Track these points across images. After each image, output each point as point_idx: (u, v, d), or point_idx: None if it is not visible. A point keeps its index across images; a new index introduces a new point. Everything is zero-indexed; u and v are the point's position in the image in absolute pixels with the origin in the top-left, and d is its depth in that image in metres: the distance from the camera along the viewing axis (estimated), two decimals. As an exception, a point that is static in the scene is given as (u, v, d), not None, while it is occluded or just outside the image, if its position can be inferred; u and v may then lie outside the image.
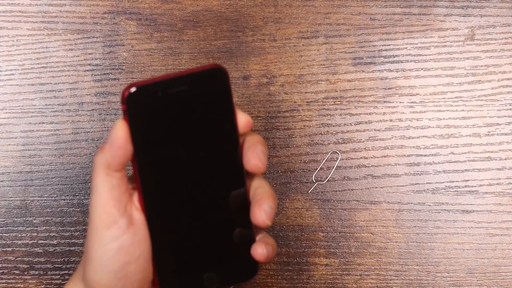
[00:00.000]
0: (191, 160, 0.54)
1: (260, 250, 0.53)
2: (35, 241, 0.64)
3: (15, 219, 0.64)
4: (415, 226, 0.63)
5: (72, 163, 0.64)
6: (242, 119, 0.53)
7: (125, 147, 0.50)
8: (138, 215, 0.52)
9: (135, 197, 0.53)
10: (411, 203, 0.64)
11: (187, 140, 0.54)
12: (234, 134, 0.54)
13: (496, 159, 0.64)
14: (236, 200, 0.55)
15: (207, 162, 0.54)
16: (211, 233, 0.55)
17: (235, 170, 0.55)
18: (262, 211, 0.52)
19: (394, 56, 0.64)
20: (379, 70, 0.64)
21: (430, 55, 0.64)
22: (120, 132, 0.50)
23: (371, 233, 0.63)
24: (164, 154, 0.54)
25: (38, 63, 0.64)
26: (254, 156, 0.53)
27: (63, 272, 0.64)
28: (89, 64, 0.64)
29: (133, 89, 0.53)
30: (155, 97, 0.53)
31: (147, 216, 0.54)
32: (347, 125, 0.64)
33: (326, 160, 0.64)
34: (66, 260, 0.64)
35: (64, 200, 0.64)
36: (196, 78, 0.53)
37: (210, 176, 0.54)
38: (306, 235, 0.63)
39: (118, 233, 0.50)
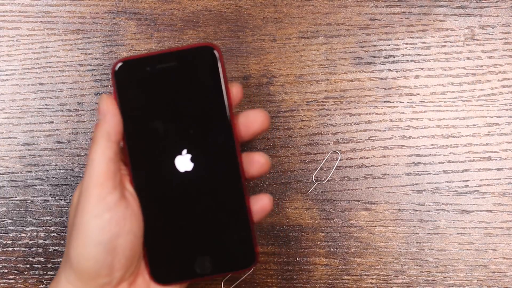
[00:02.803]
0: (181, 137, 0.54)
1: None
2: (35, 241, 0.64)
3: (15, 219, 0.64)
4: (415, 226, 0.63)
5: (72, 163, 0.64)
6: (233, 90, 0.54)
7: (119, 115, 0.52)
8: (130, 192, 0.53)
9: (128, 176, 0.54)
10: (411, 203, 0.64)
11: (176, 116, 0.53)
12: (224, 111, 0.53)
13: (496, 159, 0.64)
14: (230, 180, 0.54)
15: (198, 139, 0.54)
16: (203, 215, 0.54)
17: (227, 148, 0.54)
18: (257, 154, 0.54)
19: (394, 56, 0.64)
20: (379, 70, 0.64)
21: (430, 55, 0.64)
22: (109, 101, 0.52)
23: (371, 233, 0.64)
24: (153, 130, 0.54)
25: (38, 63, 0.64)
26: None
27: (63, 272, 0.64)
28: (89, 64, 0.64)
29: (121, 63, 0.53)
30: (144, 71, 0.53)
31: (138, 195, 0.54)
32: (347, 125, 0.64)
33: (326, 160, 0.64)
34: (66, 260, 0.64)
35: (64, 200, 0.64)
36: (186, 54, 0.53)
37: (201, 154, 0.54)
38: (306, 235, 0.63)
39: (110, 205, 0.51)
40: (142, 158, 0.54)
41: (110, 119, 0.52)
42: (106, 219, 0.51)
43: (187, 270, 0.54)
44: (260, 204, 0.54)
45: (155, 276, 0.54)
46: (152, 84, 0.53)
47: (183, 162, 0.54)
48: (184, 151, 0.54)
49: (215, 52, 0.53)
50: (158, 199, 0.54)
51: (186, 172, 0.54)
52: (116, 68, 0.53)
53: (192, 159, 0.54)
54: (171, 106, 0.54)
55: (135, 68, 0.53)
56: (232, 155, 0.54)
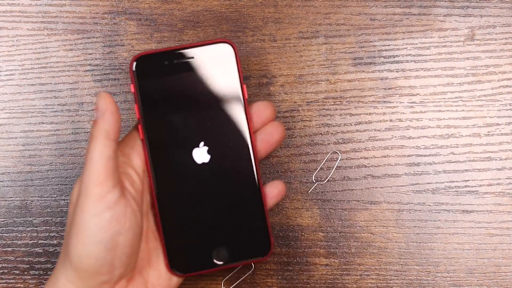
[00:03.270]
0: (198, 130, 0.55)
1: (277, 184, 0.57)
2: (35, 241, 0.64)
3: (15, 219, 0.64)
4: (415, 226, 0.63)
5: (72, 163, 0.64)
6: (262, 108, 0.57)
7: (117, 113, 0.52)
8: (129, 190, 0.53)
9: (127, 174, 0.53)
10: (411, 203, 0.64)
11: (194, 110, 0.55)
12: (241, 105, 0.55)
13: (496, 159, 0.64)
14: (245, 171, 0.56)
15: (214, 132, 0.55)
16: (220, 206, 0.56)
17: (242, 141, 0.55)
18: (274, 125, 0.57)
19: (394, 56, 0.64)
20: (379, 70, 0.64)
21: (430, 55, 0.64)
22: (107, 99, 0.52)
23: (371, 233, 0.64)
24: (170, 123, 0.55)
25: (38, 63, 0.64)
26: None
27: (63, 272, 0.64)
28: (89, 64, 0.64)
29: (140, 57, 0.55)
30: (161, 66, 0.55)
31: (155, 187, 0.55)
32: (347, 125, 0.64)
33: (326, 160, 0.64)
34: (66, 260, 0.64)
35: (64, 200, 0.64)
36: (203, 50, 0.55)
37: (218, 146, 0.55)
38: (306, 235, 0.63)
39: (110, 203, 0.51)
40: (160, 150, 0.55)
41: (109, 117, 0.51)
42: (107, 218, 0.51)
43: (204, 260, 0.56)
44: (277, 190, 0.57)
45: (173, 266, 0.56)
46: (169, 78, 0.55)
47: (201, 154, 0.55)
48: (201, 143, 0.55)
49: (232, 48, 0.54)
50: (175, 191, 0.55)
51: (203, 163, 0.55)
52: (134, 61, 0.54)
53: (209, 151, 0.55)
54: (189, 100, 0.55)
55: (153, 62, 0.55)
56: (247, 148, 0.56)
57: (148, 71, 0.55)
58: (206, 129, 0.56)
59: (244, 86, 0.56)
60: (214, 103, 0.56)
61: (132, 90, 0.55)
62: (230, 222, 0.56)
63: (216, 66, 0.56)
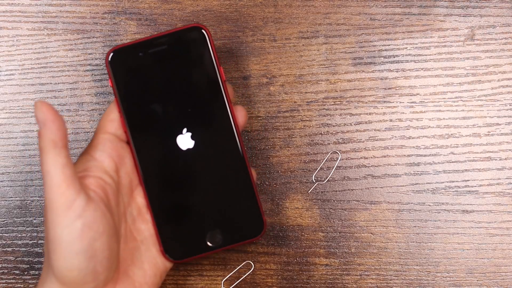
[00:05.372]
0: (180, 118, 0.56)
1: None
2: (35, 241, 0.64)
3: (15, 219, 0.64)
4: (415, 226, 0.63)
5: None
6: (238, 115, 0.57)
7: (58, 119, 0.50)
8: (93, 192, 0.52)
9: (87, 179, 0.53)
10: (411, 203, 0.64)
11: (173, 97, 0.56)
12: (219, 88, 0.56)
13: (496, 159, 0.64)
14: (231, 153, 0.56)
15: (196, 117, 0.56)
16: (210, 190, 0.56)
17: (225, 123, 0.56)
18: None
19: (394, 56, 0.64)
20: (379, 70, 0.64)
21: (430, 55, 0.64)
22: (44, 108, 0.50)
23: (371, 233, 0.64)
24: (152, 113, 0.56)
25: (38, 63, 0.64)
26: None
27: (63, 272, 0.64)
28: (89, 64, 0.64)
29: (114, 51, 0.55)
30: (136, 57, 0.55)
31: (143, 177, 0.55)
32: (347, 125, 0.64)
33: (326, 160, 0.64)
34: (66, 260, 0.64)
35: (64, 200, 0.64)
36: (175, 37, 0.56)
37: (202, 132, 0.56)
38: (306, 235, 0.63)
39: (79, 211, 0.50)
40: (144, 141, 0.55)
41: (50, 125, 0.50)
42: (79, 227, 0.50)
43: (199, 245, 0.56)
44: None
45: (168, 253, 0.56)
46: (146, 68, 0.56)
47: (185, 141, 0.55)
48: (184, 129, 0.55)
49: (204, 31, 0.55)
50: (164, 179, 0.56)
51: (188, 149, 0.55)
52: (110, 56, 0.55)
53: (192, 137, 0.55)
54: (167, 88, 0.56)
55: (128, 54, 0.55)
56: (230, 129, 0.56)
57: (124, 63, 0.56)
58: (188, 115, 0.56)
59: (221, 68, 0.56)
60: (192, 89, 0.56)
61: (110, 84, 0.55)
62: (221, 204, 0.56)
63: (191, 51, 0.56)
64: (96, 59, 0.64)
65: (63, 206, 0.50)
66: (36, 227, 0.64)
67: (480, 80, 0.64)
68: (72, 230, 0.50)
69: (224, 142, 0.56)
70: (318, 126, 0.64)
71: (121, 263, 0.55)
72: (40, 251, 0.64)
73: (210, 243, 0.57)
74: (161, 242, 0.56)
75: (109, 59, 0.56)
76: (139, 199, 0.57)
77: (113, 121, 0.56)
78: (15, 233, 0.64)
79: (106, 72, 0.64)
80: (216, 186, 0.56)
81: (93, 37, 0.64)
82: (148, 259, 0.57)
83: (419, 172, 0.64)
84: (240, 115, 0.57)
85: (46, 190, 0.50)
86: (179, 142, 0.56)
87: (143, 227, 0.57)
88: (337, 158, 0.64)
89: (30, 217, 0.64)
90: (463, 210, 0.63)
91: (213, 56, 0.56)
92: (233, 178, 0.56)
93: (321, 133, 0.64)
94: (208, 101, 0.56)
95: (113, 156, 0.55)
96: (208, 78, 0.56)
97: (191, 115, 0.56)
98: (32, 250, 0.64)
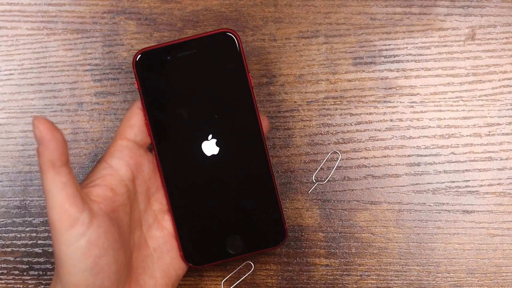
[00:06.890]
0: (206, 123, 0.55)
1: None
2: (34, 241, 0.64)
3: (15, 219, 0.64)
4: (415, 227, 0.63)
5: (71, 163, 0.64)
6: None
7: (55, 137, 0.49)
8: (97, 207, 0.51)
9: (96, 190, 0.52)
10: (412, 203, 0.63)
11: (200, 103, 0.55)
12: (248, 94, 0.55)
13: (497, 159, 0.63)
14: (256, 161, 0.56)
15: (222, 123, 0.55)
16: (233, 196, 0.56)
17: (252, 130, 0.55)
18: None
19: (394, 56, 0.64)
20: (379, 70, 0.64)
21: (430, 55, 0.64)
22: (41, 125, 0.48)
23: (372, 234, 0.63)
24: (178, 117, 0.55)
25: (37, 63, 0.64)
26: None
27: (63, 272, 0.63)
28: (89, 64, 0.64)
29: (142, 54, 0.54)
30: (164, 61, 0.54)
31: (166, 182, 0.55)
32: (347, 125, 0.64)
33: (326, 160, 0.64)
34: (65, 260, 0.64)
35: (63, 200, 0.64)
36: (205, 41, 0.55)
37: (228, 138, 0.55)
38: (306, 235, 0.63)
39: (82, 229, 0.49)
40: (169, 145, 0.55)
41: (48, 144, 0.49)
42: (83, 245, 0.49)
43: (219, 251, 0.56)
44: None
45: (188, 258, 0.56)
46: (173, 72, 0.55)
47: (210, 147, 0.55)
48: (210, 136, 0.55)
49: (233, 36, 0.54)
50: (187, 184, 0.55)
51: (212, 156, 0.55)
52: (137, 59, 0.54)
53: (218, 143, 0.55)
54: (194, 93, 0.55)
55: (155, 57, 0.54)
56: (258, 137, 0.56)
57: (151, 66, 0.55)
58: (214, 121, 0.55)
59: (249, 75, 0.55)
60: (220, 94, 0.55)
61: (136, 86, 0.55)
62: (243, 211, 0.56)
63: (220, 57, 0.55)
64: (96, 59, 0.64)
65: (65, 225, 0.49)
66: (36, 227, 0.64)
67: (480, 80, 0.64)
68: (77, 248, 0.49)
69: (251, 150, 0.56)
70: (318, 126, 0.64)
71: (133, 271, 0.55)
72: (40, 251, 0.63)
73: (231, 249, 0.56)
74: (181, 247, 0.56)
75: (136, 61, 0.55)
76: (156, 205, 0.57)
77: (133, 127, 0.55)
78: (14, 234, 0.64)
79: (106, 72, 0.64)
80: (239, 193, 0.56)
81: (93, 36, 0.64)
82: (161, 268, 0.56)
83: (419, 172, 0.63)
84: (263, 124, 0.57)
85: (48, 210, 0.50)
86: (204, 149, 0.55)
87: (158, 234, 0.57)
88: (337, 158, 0.64)
89: (29, 217, 0.64)
90: (464, 211, 0.63)
91: (243, 62, 0.55)
92: (257, 186, 0.56)
93: (321, 133, 0.64)
94: (235, 108, 0.55)
95: (130, 164, 0.54)
96: (238, 85, 0.55)
97: (217, 122, 0.55)
98: (31, 250, 0.63)
